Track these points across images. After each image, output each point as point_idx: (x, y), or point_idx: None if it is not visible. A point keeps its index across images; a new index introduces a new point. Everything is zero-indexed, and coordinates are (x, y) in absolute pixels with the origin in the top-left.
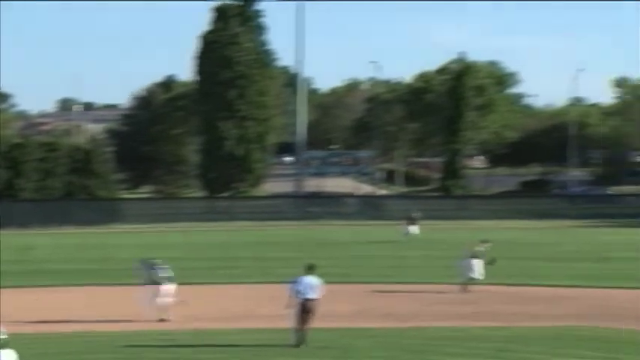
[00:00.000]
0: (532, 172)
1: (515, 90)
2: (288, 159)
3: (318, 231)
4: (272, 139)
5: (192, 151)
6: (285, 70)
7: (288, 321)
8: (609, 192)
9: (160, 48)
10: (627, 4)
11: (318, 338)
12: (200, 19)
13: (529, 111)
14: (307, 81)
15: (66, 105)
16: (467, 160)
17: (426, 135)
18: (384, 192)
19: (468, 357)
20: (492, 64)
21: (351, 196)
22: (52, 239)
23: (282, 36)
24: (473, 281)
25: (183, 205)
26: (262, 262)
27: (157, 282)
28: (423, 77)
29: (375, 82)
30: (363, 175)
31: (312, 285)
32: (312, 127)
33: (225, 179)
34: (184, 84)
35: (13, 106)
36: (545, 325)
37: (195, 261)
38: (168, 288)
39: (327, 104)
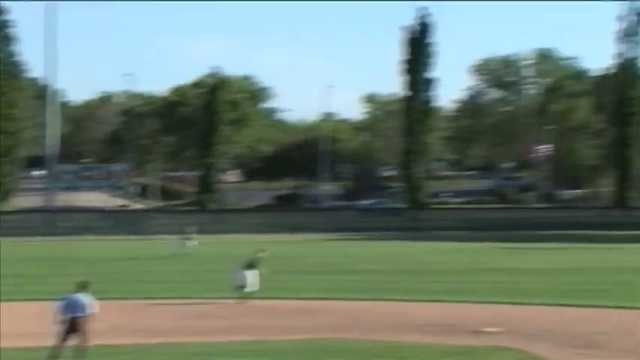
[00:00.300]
0: (286, 186)
1: (269, 105)
2: (38, 173)
3: (70, 247)
4: (22, 152)
5: None
6: (35, 81)
7: (49, 339)
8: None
9: None
10: (376, 23)
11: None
12: None
13: (283, 125)
14: (59, 93)
15: None
16: (221, 174)
17: (181, 149)
18: (138, 206)
19: None
20: (246, 78)
21: (102, 210)
22: None
23: (36, 47)
24: (248, 294)
25: None
26: (14, 279)
27: None
28: (178, 91)
29: (129, 95)
30: (116, 189)
31: (80, 303)
32: (64, 140)
33: None
34: None
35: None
36: (300, 338)
37: None
38: None
39: (79, 117)
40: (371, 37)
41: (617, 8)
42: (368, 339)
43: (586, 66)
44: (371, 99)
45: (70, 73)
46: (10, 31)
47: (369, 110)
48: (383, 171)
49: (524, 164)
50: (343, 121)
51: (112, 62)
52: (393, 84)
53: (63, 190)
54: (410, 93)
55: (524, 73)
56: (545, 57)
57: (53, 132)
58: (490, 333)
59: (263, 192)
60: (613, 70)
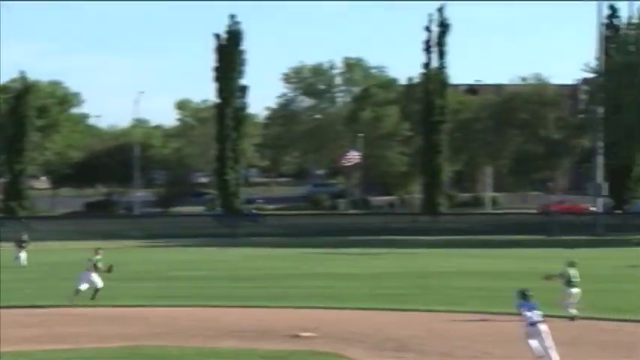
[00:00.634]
0: (97, 192)
1: (79, 110)
2: None
3: None
4: None
5: None
6: None
7: None
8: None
9: None
10: (191, 28)
11: None
12: None
13: (94, 131)
14: None
15: None
16: (31, 180)
17: None
18: None
19: None
20: (55, 83)
21: None
22: None
23: None
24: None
25: None
26: None
27: None
28: None
29: None
30: None
31: None
32: None
33: None
34: None
35: None
36: (113, 346)
37: None
38: None
39: None
40: (185, 43)
41: (425, 19)
42: (183, 345)
43: (395, 75)
44: (183, 105)
45: None
46: None
47: (182, 117)
48: (197, 178)
49: (336, 171)
50: (156, 128)
51: None
52: (207, 90)
53: None
54: (222, 100)
55: (334, 81)
56: (354, 65)
57: None
58: (306, 338)
59: (74, 199)
60: (420, 79)
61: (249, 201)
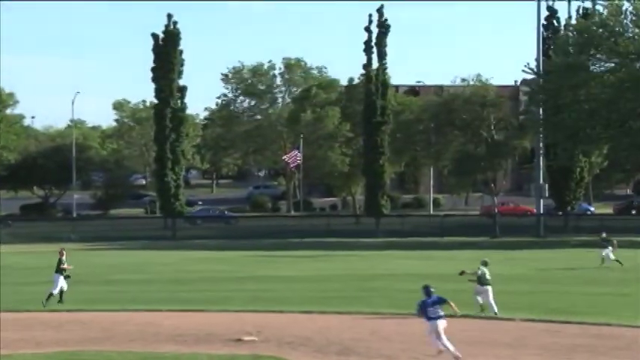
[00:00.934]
0: (34, 195)
1: (13, 111)
2: None
3: None
4: None
5: None
6: None
7: None
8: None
9: None
10: (129, 28)
11: None
12: None
13: (29, 132)
14: None
15: None
16: None
17: None
18: None
19: None
20: None
21: None
22: None
23: None
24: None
25: None
26: None
27: None
28: None
29: None
30: None
31: None
32: None
33: None
34: None
35: None
36: (50, 352)
37: None
38: None
39: None
40: (123, 43)
41: (365, 19)
42: (121, 350)
43: (335, 75)
44: (121, 106)
45: None
46: None
47: (119, 117)
48: (136, 179)
49: (278, 173)
50: (94, 129)
51: None
52: (146, 91)
53: None
54: (160, 100)
55: (275, 81)
56: (293, 66)
57: None
58: (249, 342)
59: (9, 201)
60: (361, 80)
61: (190, 203)
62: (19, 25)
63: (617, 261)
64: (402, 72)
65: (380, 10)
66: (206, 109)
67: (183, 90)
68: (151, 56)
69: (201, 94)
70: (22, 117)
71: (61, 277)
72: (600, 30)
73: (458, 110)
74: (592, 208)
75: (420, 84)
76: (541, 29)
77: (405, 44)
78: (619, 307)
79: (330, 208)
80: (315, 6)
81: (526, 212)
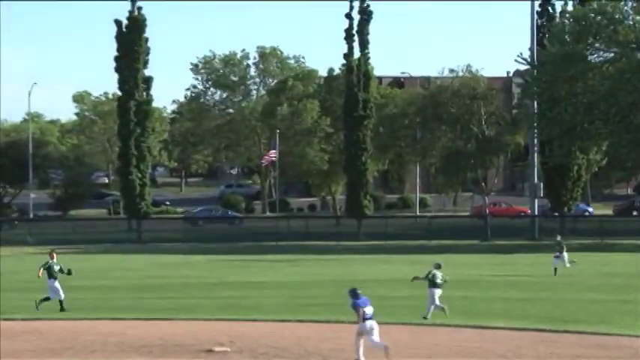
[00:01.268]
0: None
1: None
2: None
3: None
4: None
5: None
6: None
7: None
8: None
9: None
10: (90, 16)
11: None
12: None
13: None
14: None
15: None
16: None
17: None
18: None
19: None
20: None
21: None
22: None
23: None
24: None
25: None
26: None
27: None
28: None
29: None
30: None
31: None
32: None
33: None
34: None
35: None
36: None
37: None
38: None
39: None
40: (84, 30)
41: (346, 5)
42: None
43: (314, 66)
44: (81, 98)
45: None
46: None
47: (80, 111)
48: (98, 178)
49: (252, 170)
50: (52, 123)
51: None
52: (109, 82)
53: None
54: (124, 92)
55: (248, 72)
56: (269, 55)
57: None
58: (220, 353)
59: None
60: (341, 71)
61: (156, 203)
62: None
63: (572, 261)
64: (385, 62)
65: None
66: (174, 101)
67: (149, 81)
68: (114, 44)
69: (169, 85)
70: None
71: (57, 282)
72: (599, 17)
73: (446, 103)
74: (590, 209)
75: (405, 75)
76: (535, 16)
77: (388, 32)
78: (620, 315)
79: (309, 209)
80: None
81: (520, 213)
